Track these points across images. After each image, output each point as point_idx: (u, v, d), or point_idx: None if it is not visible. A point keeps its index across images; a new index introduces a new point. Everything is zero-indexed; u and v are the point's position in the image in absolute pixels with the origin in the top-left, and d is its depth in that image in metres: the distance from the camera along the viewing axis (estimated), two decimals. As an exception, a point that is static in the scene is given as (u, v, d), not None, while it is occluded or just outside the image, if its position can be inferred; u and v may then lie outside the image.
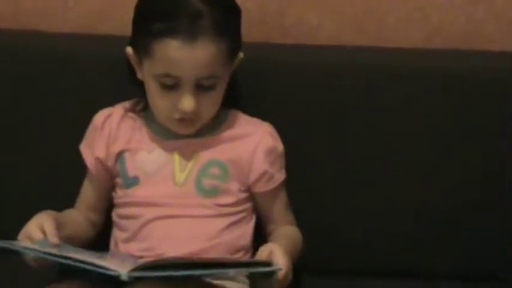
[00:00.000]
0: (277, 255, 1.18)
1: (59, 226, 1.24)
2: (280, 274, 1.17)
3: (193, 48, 1.23)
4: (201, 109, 1.28)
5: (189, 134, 1.33)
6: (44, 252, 1.14)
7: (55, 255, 1.13)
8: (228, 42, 1.26)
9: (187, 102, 1.26)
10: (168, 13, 1.24)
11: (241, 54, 1.33)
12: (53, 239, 1.20)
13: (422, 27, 1.51)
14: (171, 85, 1.26)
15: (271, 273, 1.15)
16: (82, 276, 1.17)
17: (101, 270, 1.08)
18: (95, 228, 1.38)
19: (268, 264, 1.15)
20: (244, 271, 1.11)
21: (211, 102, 1.29)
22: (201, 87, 1.26)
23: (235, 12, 1.31)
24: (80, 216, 1.37)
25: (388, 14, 1.51)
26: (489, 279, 1.44)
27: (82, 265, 1.10)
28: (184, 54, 1.23)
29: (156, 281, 1.10)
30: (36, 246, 1.16)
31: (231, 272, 1.12)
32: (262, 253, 1.20)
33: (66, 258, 1.11)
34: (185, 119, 1.28)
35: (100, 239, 1.38)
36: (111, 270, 1.08)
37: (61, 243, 1.22)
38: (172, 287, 1.10)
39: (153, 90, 1.28)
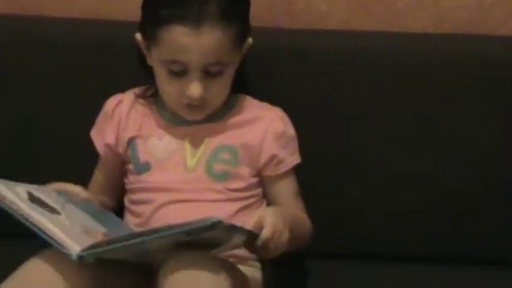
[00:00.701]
0: (266, 217, 1.15)
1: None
2: (266, 231, 1.13)
3: (200, 34, 1.23)
4: (209, 95, 1.28)
5: (199, 120, 1.33)
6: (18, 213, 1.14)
7: (22, 217, 1.13)
8: (236, 28, 1.26)
9: (194, 89, 1.26)
10: (172, 0, 1.24)
11: (250, 40, 1.33)
12: (84, 193, 1.26)
13: (431, 12, 1.51)
14: (179, 71, 1.26)
15: (220, 227, 1.08)
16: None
17: (56, 245, 1.10)
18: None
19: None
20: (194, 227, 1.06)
21: (220, 89, 1.29)
22: (208, 74, 1.26)
23: None
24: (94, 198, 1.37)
25: (397, 0, 1.51)
26: (501, 263, 1.45)
27: (42, 235, 1.11)
28: (191, 41, 1.23)
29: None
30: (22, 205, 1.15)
31: (177, 231, 1.08)
32: (252, 218, 1.16)
33: (32, 224, 1.12)
34: (193, 105, 1.29)
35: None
36: (64, 248, 1.10)
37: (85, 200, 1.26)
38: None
39: (161, 76, 1.29)
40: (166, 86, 1.29)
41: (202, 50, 1.24)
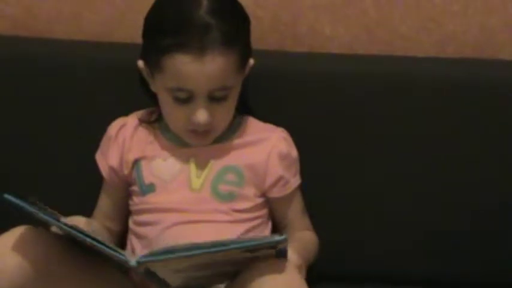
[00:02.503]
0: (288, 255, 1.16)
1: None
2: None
3: (203, 62, 1.23)
4: (215, 120, 1.28)
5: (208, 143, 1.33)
6: (63, 223, 1.14)
7: (71, 227, 1.14)
8: (238, 52, 1.27)
9: (201, 115, 1.26)
10: (176, 28, 1.24)
11: (251, 61, 1.33)
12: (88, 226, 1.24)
13: (435, 36, 1.52)
14: (185, 98, 1.26)
15: (277, 245, 1.12)
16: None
17: (112, 252, 1.11)
18: (113, 236, 1.39)
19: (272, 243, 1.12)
20: (248, 244, 1.10)
21: (225, 112, 1.30)
22: (214, 99, 1.27)
23: (243, 22, 1.31)
24: (98, 224, 1.38)
25: (400, 24, 1.52)
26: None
27: (96, 243, 1.12)
28: (195, 69, 1.23)
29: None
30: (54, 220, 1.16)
31: (233, 248, 1.11)
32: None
33: (83, 233, 1.13)
34: (199, 131, 1.29)
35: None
36: (121, 254, 1.11)
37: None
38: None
39: (166, 103, 1.29)
40: (172, 113, 1.29)
41: (206, 77, 1.24)
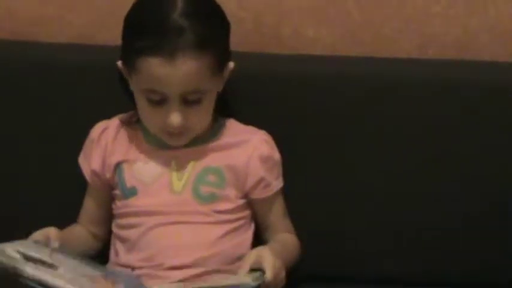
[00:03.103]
0: (265, 257, 1.19)
1: (62, 244, 1.23)
2: (268, 281, 1.18)
3: (175, 65, 1.23)
4: (190, 122, 1.28)
5: (184, 144, 1.33)
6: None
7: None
8: (213, 55, 1.26)
9: (174, 118, 1.26)
10: (150, 30, 1.25)
11: (231, 64, 1.33)
12: (54, 242, 1.19)
13: (416, 37, 1.52)
14: (158, 100, 1.26)
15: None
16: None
17: None
18: (98, 241, 1.39)
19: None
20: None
21: (200, 115, 1.30)
22: (187, 102, 1.27)
23: (221, 25, 1.31)
24: (82, 230, 1.39)
25: (383, 25, 1.52)
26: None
27: None
28: (166, 71, 1.23)
29: None
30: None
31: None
32: (250, 256, 1.21)
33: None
34: (174, 132, 1.29)
35: (99, 250, 1.38)
36: None
37: (60, 247, 1.20)
38: None
39: (141, 104, 1.29)
40: (147, 114, 1.30)
41: (178, 80, 1.24)
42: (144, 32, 1.25)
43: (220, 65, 1.29)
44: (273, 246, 1.29)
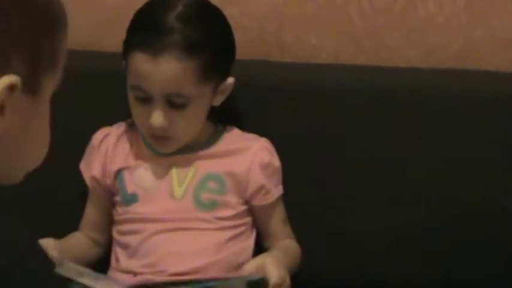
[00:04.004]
0: (270, 266, 1.19)
1: (61, 251, 1.25)
2: (273, 282, 1.18)
3: (158, 62, 1.24)
4: (173, 127, 1.29)
5: (185, 149, 1.34)
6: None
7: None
8: (200, 62, 1.26)
9: (155, 117, 1.27)
10: (142, 27, 1.28)
11: (230, 80, 1.33)
12: (53, 252, 1.21)
13: (420, 47, 1.52)
14: (144, 98, 1.28)
15: (259, 284, 1.15)
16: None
17: None
18: (99, 248, 1.40)
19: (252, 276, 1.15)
20: (228, 282, 1.13)
21: (185, 121, 1.29)
22: (172, 105, 1.27)
23: (217, 34, 1.31)
24: (83, 237, 1.39)
25: (386, 34, 1.52)
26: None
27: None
28: (150, 68, 1.25)
29: None
30: None
31: (217, 283, 1.13)
32: (252, 263, 1.22)
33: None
34: (158, 136, 1.30)
35: (100, 257, 1.39)
36: None
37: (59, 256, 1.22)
38: None
39: (131, 101, 1.31)
40: (134, 112, 1.31)
41: (160, 79, 1.25)
42: (138, 28, 1.28)
43: (208, 74, 1.28)
44: (276, 253, 1.29)
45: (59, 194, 1.47)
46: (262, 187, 1.35)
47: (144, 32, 1.26)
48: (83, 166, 1.39)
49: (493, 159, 1.44)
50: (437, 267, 1.46)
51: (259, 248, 1.37)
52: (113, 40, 1.51)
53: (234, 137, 1.38)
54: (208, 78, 1.28)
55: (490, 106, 1.43)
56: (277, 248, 1.35)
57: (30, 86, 0.78)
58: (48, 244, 1.24)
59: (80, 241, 1.38)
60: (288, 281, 1.23)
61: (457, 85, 1.45)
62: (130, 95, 1.30)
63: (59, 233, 1.36)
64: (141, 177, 1.34)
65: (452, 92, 1.44)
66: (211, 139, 1.37)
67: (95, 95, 1.46)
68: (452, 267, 1.45)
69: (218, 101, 1.34)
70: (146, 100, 1.28)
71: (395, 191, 1.45)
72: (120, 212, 1.36)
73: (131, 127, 1.39)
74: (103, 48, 1.53)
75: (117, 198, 1.36)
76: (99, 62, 1.49)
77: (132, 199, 1.34)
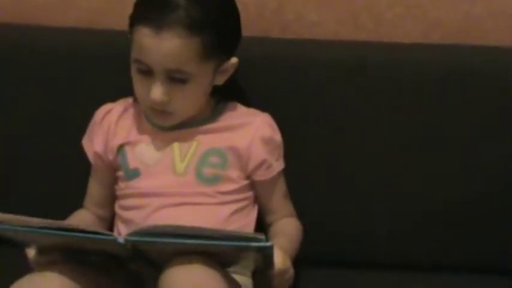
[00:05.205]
0: (274, 255, 1.18)
1: None
2: (277, 268, 1.19)
3: (160, 38, 1.25)
4: (173, 102, 1.29)
5: (186, 124, 1.34)
6: (38, 227, 1.14)
7: (49, 228, 1.14)
8: (203, 40, 1.26)
9: (155, 91, 1.28)
10: (147, 2, 1.28)
11: (233, 60, 1.33)
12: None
13: (420, 22, 1.53)
14: (145, 71, 1.28)
15: (267, 254, 1.14)
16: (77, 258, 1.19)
17: (98, 236, 1.12)
18: (103, 223, 1.41)
19: (262, 240, 1.13)
20: (237, 244, 1.12)
21: (184, 97, 1.30)
22: (173, 80, 1.28)
23: (222, 14, 1.31)
24: (88, 214, 1.40)
25: (386, 10, 1.53)
26: (493, 272, 1.46)
27: (79, 234, 1.12)
28: (151, 42, 1.26)
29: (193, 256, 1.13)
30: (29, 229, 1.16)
31: (226, 244, 1.12)
32: None
33: (61, 229, 1.13)
34: (157, 110, 1.30)
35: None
36: (107, 235, 1.12)
37: None
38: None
39: (133, 74, 1.32)
40: (135, 85, 1.32)
41: (161, 54, 1.26)
42: (144, 2, 1.29)
43: (210, 53, 1.28)
44: (280, 242, 1.29)
45: (62, 170, 1.48)
46: (263, 161, 1.35)
47: (150, 6, 1.27)
48: (85, 142, 1.40)
49: (495, 133, 1.44)
50: (439, 244, 1.47)
51: (260, 226, 1.38)
52: (116, 19, 1.52)
53: (235, 113, 1.38)
54: (210, 57, 1.29)
55: (491, 81, 1.43)
56: (280, 234, 1.35)
57: None
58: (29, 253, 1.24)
59: (85, 217, 1.39)
60: (292, 272, 1.24)
61: (458, 61, 1.45)
62: (133, 68, 1.31)
63: (64, 209, 1.37)
64: (142, 152, 1.35)
65: (452, 68, 1.44)
66: (213, 114, 1.37)
67: (96, 73, 1.46)
68: (454, 245, 1.47)
69: (221, 80, 1.34)
70: (147, 74, 1.28)
71: (398, 166, 1.45)
72: (122, 187, 1.36)
73: (134, 103, 1.39)
74: (104, 26, 1.53)
75: (120, 174, 1.37)
76: (101, 40, 1.49)
77: (134, 174, 1.34)
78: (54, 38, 1.50)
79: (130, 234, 1.13)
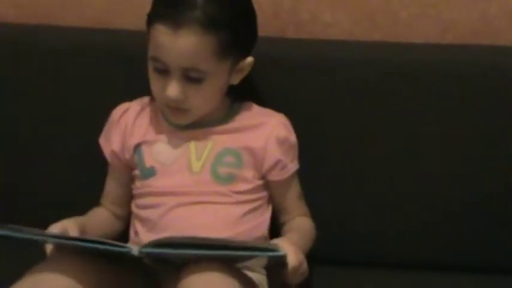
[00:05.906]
0: (287, 250, 1.19)
1: (84, 231, 1.28)
2: (291, 267, 1.19)
3: (177, 36, 1.25)
4: (189, 100, 1.30)
5: (202, 124, 1.35)
6: (52, 236, 1.17)
7: (63, 238, 1.16)
8: (219, 39, 1.27)
9: (171, 89, 1.28)
10: (165, 0, 1.28)
11: (249, 59, 1.34)
12: (73, 232, 1.24)
13: (435, 23, 1.52)
14: (161, 69, 1.29)
15: (280, 260, 1.16)
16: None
17: (112, 248, 1.13)
18: (120, 222, 1.42)
19: (275, 250, 1.16)
20: (251, 254, 1.13)
21: (200, 96, 1.30)
22: (189, 79, 1.28)
23: (239, 13, 1.31)
24: (105, 212, 1.41)
25: (401, 10, 1.53)
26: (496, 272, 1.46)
27: (93, 245, 1.13)
28: (168, 41, 1.26)
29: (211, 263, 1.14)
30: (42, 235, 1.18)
31: (239, 254, 1.14)
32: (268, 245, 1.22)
33: (75, 239, 1.15)
34: (173, 107, 1.31)
35: (120, 230, 1.41)
36: (121, 246, 1.13)
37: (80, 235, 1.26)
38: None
39: (150, 72, 1.32)
40: (152, 83, 1.32)
41: (178, 52, 1.26)
42: (162, 1, 1.29)
43: (226, 52, 1.28)
44: (293, 237, 1.30)
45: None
46: (278, 162, 1.36)
47: (167, 4, 1.27)
48: (102, 141, 1.41)
49: (509, 131, 1.43)
50: (450, 245, 1.47)
51: (275, 225, 1.39)
52: (127, 19, 1.53)
53: (251, 113, 1.39)
54: (226, 55, 1.29)
55: (507, 82, 1.43)
56: (293, 230, 1.36)
57: None
58: (67, 225, 1.26)
59: (102, 216, 1.40)
60: (305, 265, 1.24)
61: (472, 61, 1.45)
62: (150, 66, 1.31)
63: (81, 207, 1.38)
64: (159, 151, 1.36)
65: (467, 68, 1.44)
66: (229, 114, 1.38)
67: (113, 72, 1.47)
68: (465, 245, 1.47)
69: (236, 79, 1.35)
70: (164, 72, 1.29)
71: (414, 166, 1.45)
72: (138, 186, 1.37)
73: (151, 102, 1.40)
74: (118, 26, 1.54)
75: (136, 172, 1.37)
76: (116, 39, 1.49)
77: (150, 173, 1.35)
78: (68, 37, 1.50)
79: (145, 246, 1.14)
